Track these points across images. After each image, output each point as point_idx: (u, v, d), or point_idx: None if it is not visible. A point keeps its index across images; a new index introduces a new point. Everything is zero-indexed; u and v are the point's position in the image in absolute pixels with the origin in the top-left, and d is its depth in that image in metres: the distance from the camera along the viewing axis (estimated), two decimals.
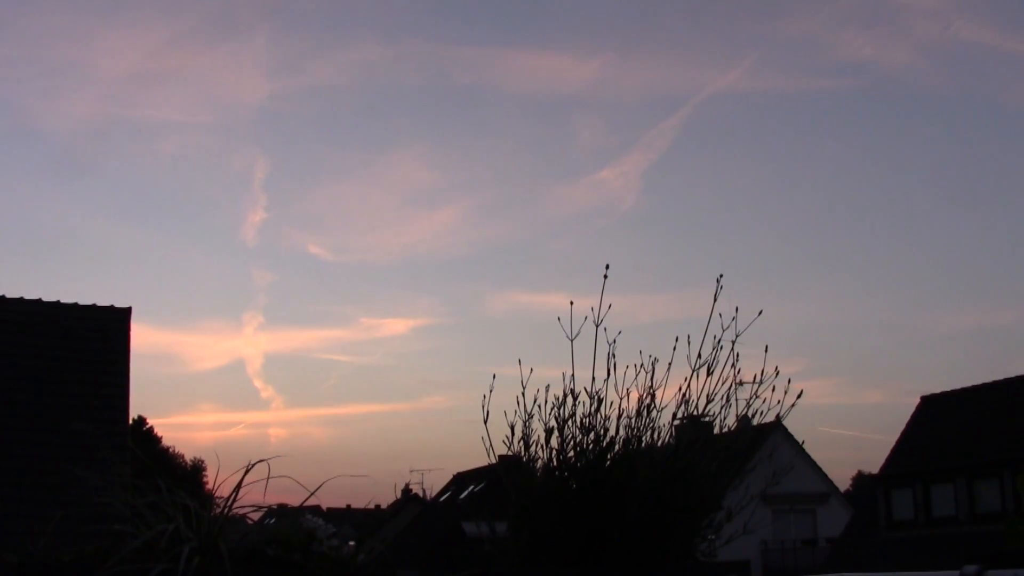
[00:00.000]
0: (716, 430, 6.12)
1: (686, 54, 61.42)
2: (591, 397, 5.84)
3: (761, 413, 6.05)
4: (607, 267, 5.91)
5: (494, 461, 6.16)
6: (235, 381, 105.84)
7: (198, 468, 60.11)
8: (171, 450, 63.13)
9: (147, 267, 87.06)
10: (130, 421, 15.53)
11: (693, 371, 5.94)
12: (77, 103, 73.07)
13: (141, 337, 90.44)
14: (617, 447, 5.82)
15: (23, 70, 71.25)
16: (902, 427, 29.67)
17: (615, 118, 65.11)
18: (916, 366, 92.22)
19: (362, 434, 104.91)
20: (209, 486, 5.02)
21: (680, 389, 5.98)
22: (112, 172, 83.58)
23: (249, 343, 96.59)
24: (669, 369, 5.90)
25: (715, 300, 5.93)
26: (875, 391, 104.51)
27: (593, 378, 5.86)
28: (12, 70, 70.68)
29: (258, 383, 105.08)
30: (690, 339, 5.90)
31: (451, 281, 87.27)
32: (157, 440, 60.09)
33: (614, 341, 5.86)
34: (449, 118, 77.05)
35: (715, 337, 5.90)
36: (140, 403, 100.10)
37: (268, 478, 4.75)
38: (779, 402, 5.95)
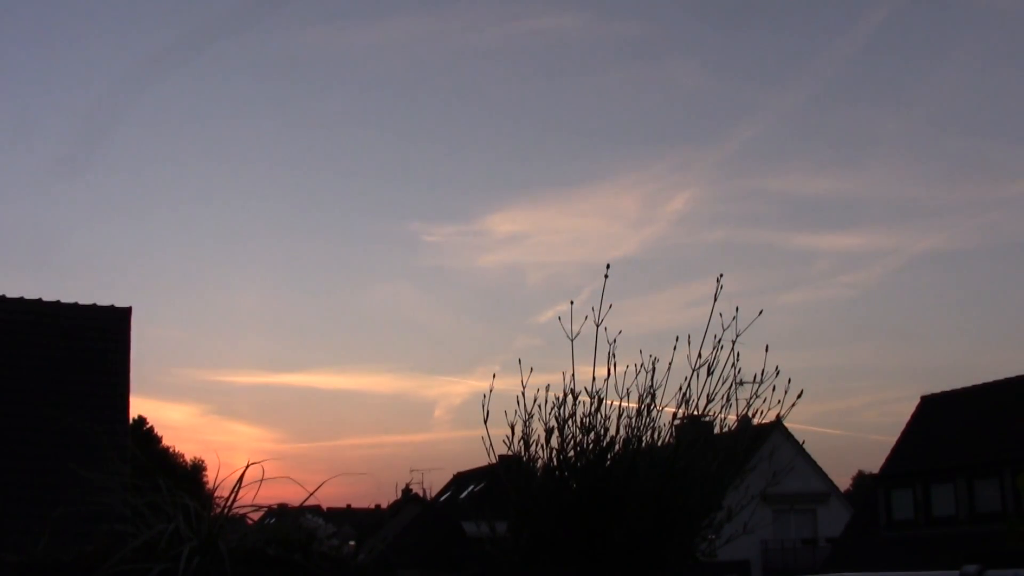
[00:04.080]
0: (716, 430, 6.12)
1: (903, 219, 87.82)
2: (591, 397, 5.83)
3: (761, 413, 6.04)
4: (607, 267, 5.92)
5: (494, 461, 6.15)
6: (421, 410, 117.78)
7: (198, 468, 60.06)
8: (171, 450, 63.12)
9: (451, 342, 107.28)
10: (130, 421, 15.51)
11: (693, 371, 5.94)
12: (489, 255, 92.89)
13: (386, 383, 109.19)
14: (617, 447, 5.82)
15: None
16: (902, 427, 29.71)
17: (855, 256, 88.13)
18: (916, 366, 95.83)
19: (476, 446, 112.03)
20: (209, 486, 5.02)
21: (680, 389, 5.98)
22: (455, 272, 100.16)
23: (465, 385, 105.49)
24: (669, 369, 5.90)
25: (715, 300, 5.94)
26: (876, 390, 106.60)
27: (593, 378, 5.86)
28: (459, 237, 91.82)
29: (439, 412, 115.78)
30: (690, 339, 5.91)
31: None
32: (157, 440, 60.07)
33: (614, 341, 5.86)
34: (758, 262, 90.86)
35: (715, 337, 5.90)
36: (334, 429, 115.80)
37: (262, 479, 4.75)
38: (779, 401, 5.95)
